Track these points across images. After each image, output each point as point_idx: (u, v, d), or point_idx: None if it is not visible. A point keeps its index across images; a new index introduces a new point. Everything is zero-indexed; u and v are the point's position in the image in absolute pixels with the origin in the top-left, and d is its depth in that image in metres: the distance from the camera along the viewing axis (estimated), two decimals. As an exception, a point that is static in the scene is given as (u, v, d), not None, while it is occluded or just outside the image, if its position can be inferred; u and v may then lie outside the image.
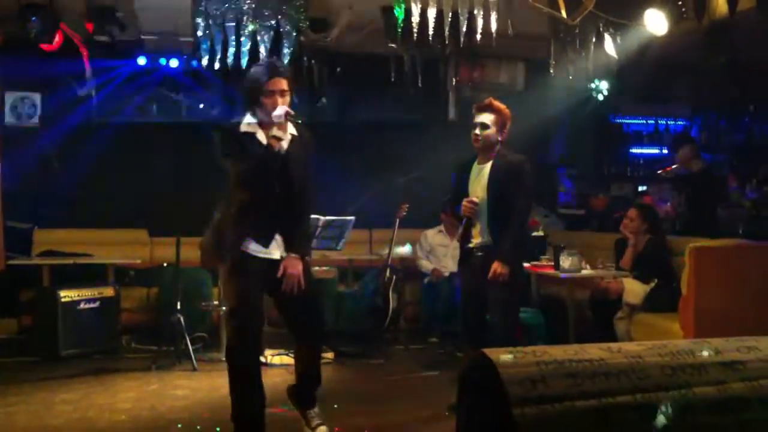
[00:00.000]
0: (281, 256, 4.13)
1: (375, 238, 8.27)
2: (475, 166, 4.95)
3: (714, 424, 2.24)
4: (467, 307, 4.96)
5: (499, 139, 4.87)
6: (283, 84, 4.03)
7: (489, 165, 4.86)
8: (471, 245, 4.91)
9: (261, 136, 4.06)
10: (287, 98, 4.05)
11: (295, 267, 4.10)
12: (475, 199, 4.81)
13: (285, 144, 4.02)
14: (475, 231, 4.89)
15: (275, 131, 4.00)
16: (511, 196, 4.78)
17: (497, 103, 4.90)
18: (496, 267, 4.69)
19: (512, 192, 4.79)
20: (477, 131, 4.84)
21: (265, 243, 4.10)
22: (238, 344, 4.05)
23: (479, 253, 4.85)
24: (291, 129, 4.09)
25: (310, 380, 4.39)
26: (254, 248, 4.08)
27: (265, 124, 4.07)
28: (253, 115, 4.10)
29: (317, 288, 4.74)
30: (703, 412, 2.24)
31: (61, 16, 6.69)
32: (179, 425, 4.61)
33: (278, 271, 4.09)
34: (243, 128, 4.08)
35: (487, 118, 4.84)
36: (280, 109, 3.96)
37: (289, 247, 4.15)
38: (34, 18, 6.59)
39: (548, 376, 2.25)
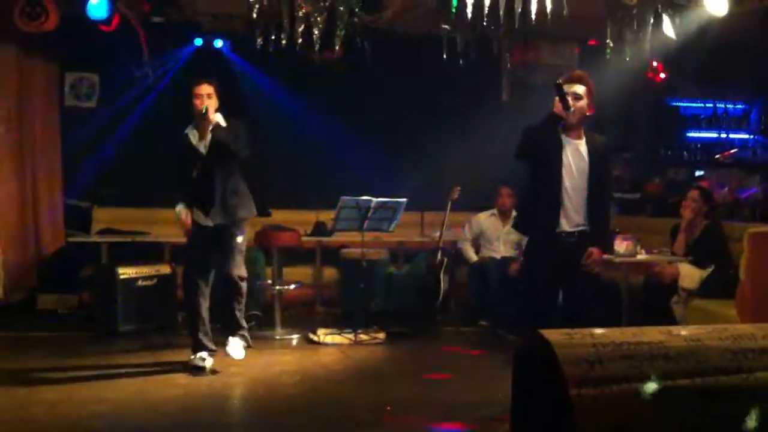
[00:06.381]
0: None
1: (426, 221, 8.27)
2: (567, 140, 4.55)
3: (775, 408, 2.22)
4: (545, 292, 4.62)
5: (588, 114, 4.60)
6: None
7: (583, 143, 4.58)
8: (561, 230, 4.54)
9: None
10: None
11: None
12: None
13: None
14: (565, 215, 4.54)
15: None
16: (604, 177, 4.66)
17: (586, 76, 4.64)
18: (596, 252, 4.52)
19: (603, 174, 4.65)
20: (571, 101, 4.43)
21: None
22: None
23: (572, 239, 4.54)
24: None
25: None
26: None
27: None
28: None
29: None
30: (763, 396, 2.21)
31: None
32: (234, 401, 4.69)
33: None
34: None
35: (579, 89, 4.53)
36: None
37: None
38: (92, -1, 6.71)
39: (605, 358, 2.24)
